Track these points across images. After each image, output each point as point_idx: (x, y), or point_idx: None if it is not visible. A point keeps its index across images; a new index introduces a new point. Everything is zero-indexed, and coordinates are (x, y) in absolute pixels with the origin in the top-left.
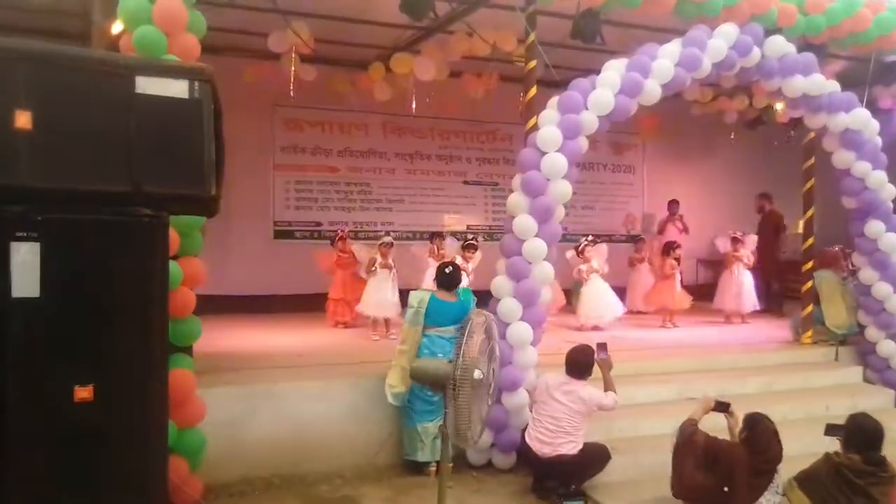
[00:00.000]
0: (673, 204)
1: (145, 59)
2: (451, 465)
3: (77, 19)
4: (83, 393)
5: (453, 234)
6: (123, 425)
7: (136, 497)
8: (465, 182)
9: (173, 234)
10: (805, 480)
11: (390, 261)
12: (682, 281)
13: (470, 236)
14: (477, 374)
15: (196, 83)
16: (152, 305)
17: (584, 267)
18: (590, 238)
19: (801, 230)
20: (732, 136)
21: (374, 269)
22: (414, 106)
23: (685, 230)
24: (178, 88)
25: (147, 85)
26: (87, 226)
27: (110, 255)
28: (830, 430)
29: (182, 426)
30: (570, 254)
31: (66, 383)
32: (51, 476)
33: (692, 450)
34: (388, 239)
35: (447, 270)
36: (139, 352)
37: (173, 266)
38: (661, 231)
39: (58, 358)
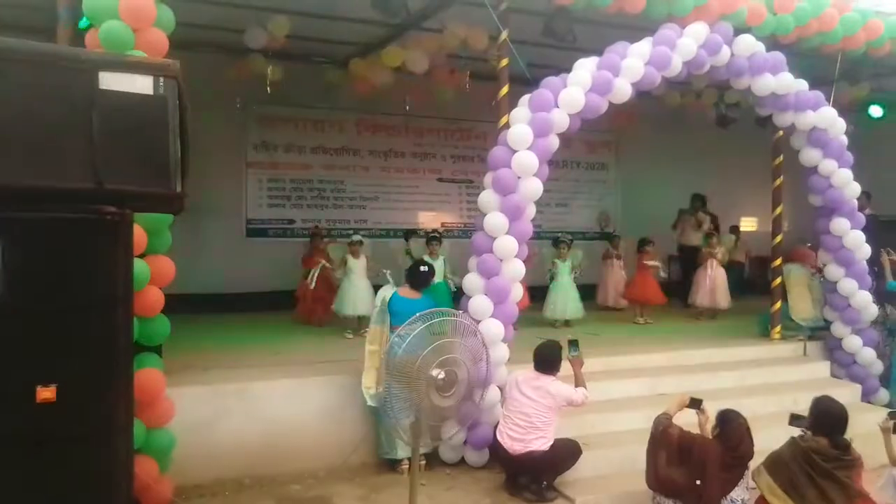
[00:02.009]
0: (696, 199)
1: (109, 55)
2: (423, 462)
3: (42, 13)
4: (45, 393)
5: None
6: (87, 426)
7: (100, 498)
8: (440, 179)
9: (140, 232)
10: (771, 465)
11: (362, 258)
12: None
13: (428, 230)
14: (436, 373)
15: (161, 79)
16: (116, 304)
17: (558, 261)
18: (570, 239)
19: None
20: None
21: (345, 269)
22: (409, 107)
23: (700, 226)
24: (142, 84)
25: (111, 80)
26: (49, 224)
27: (73, 253)
28: (795, 420)
29: (151, 426)
30: (547, 248)
31: (27, 384)
32: (13, 477)
33: (666, 443)
34: (357, 238)
35: (421, 269)
36: (102, 351)
37: (140, 264)
38: (675, 226)
39: (19, 358)
